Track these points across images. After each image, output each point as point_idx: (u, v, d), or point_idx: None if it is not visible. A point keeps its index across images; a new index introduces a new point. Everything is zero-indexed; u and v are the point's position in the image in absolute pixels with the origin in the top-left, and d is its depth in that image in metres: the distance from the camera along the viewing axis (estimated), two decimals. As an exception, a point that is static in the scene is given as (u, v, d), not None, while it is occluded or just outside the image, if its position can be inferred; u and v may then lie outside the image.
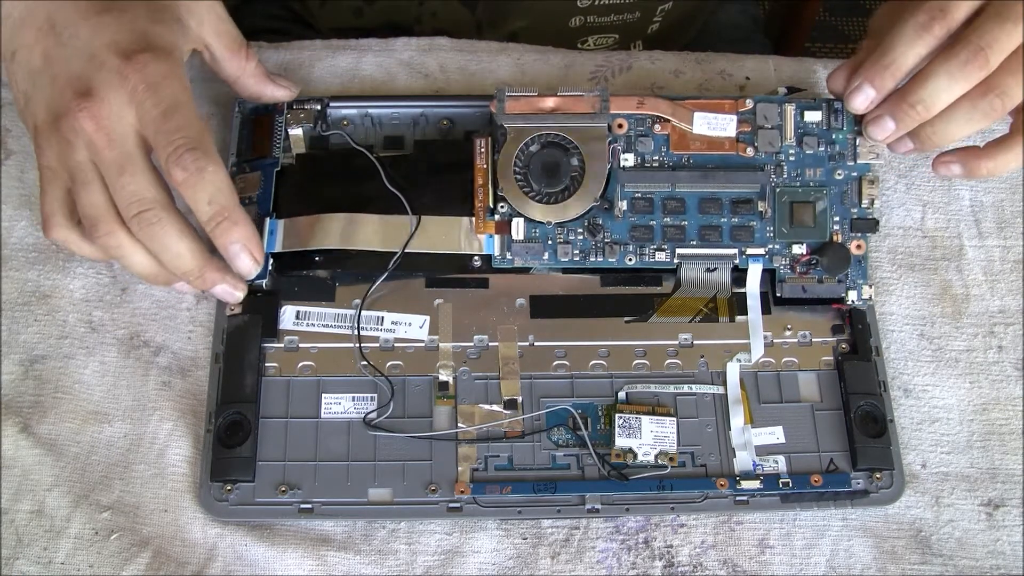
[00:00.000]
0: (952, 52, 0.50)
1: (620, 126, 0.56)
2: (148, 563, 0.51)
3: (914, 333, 0.59)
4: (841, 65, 0.56)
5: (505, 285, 0.58)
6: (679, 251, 0.57)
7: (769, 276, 0.58)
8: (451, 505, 0.53)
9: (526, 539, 0.53)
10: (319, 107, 0.61)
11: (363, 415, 0.54)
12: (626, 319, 0.57)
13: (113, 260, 0.54)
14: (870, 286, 0.57)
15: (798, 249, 0.57)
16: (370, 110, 0.62)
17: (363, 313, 0.56)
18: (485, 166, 0.56)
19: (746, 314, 0.57)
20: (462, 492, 0.53)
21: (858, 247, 0.57)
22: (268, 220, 0.56)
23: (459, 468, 0.53)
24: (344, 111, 0.61)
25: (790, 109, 0.57)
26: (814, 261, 0.57)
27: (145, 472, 0.54)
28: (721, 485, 0.53)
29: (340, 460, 0.53)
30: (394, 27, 0.70)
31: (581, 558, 0.53)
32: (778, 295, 0.58)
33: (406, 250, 0.56)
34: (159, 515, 0.53)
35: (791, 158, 0.57)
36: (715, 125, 0.57)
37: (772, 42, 0.95)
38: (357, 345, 0.56)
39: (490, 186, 0.56)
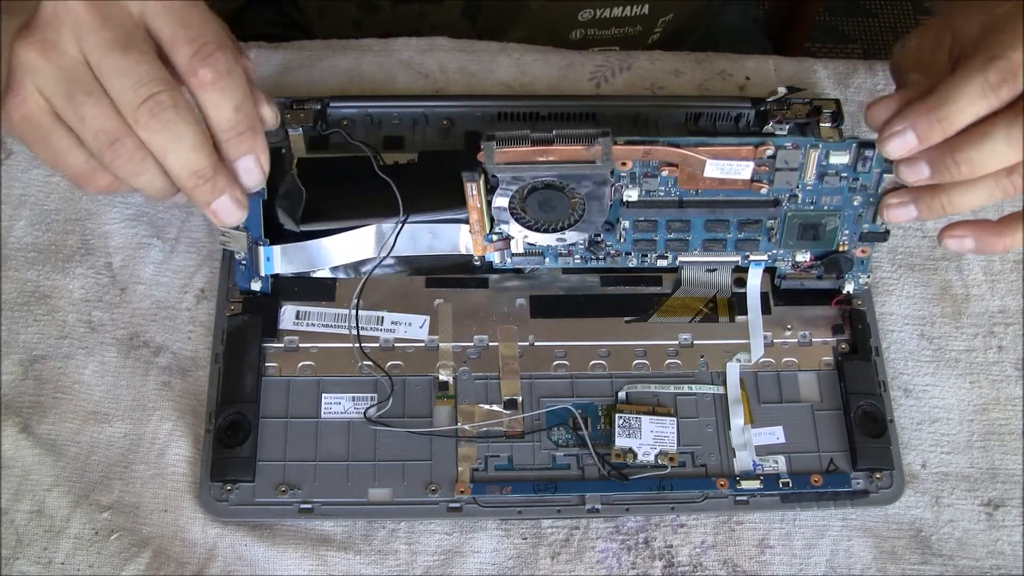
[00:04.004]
0: (1017, 116, 0.45)
1: (624, 164, 0.51)
2: (148, 563, 0.51)
3: (914, 333, 0.59)
4: (886, 98, 0.49)
5: (505, 285, 0.58)
6: (681, 258, 0.56)
7: (769, 275, 0.58)
8: (451, 505, 0.53)
9: (526, 539, 0.53)
10: (319, 107, 0.61)
11: (363, 411, 0.54)
12: (626, 319, 0.57)
13: (120, 184, 0.46)
14: (868, 275, 0.57)
15: (801, 256, 0.56)
16: (370, 110, 0.62)
17: (363, 313, 0.56)
18: (479, 206, 0.54)
19: (746, 314, 0.57)
20: (462, 492, 0.53)
21: (863, 252, 0.56)
22: (262, 248, 0.55)
23: (459, 468, 0.53)
24: (344, 111, 0.61)
25: (814, 154, 0.51)
26: (816, 265, 0.57)
27: (145, 472, 0.54)
28: (721, 485, 0.53)
29: (340, 460, 0.53)
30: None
31: (581, 558, 0.53)
32: (776, 285, 0.58)
33: (410, 254, 0.56)
34: (159, 515, 0.53)
35: (807, 188, 0.53)
36: (729, 170, 0.51)
37: (772, 42, 0.95)
38: (356, 343, 0.55)
39: (486, 220, 0.54)
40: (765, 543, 0.53)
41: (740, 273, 0.58)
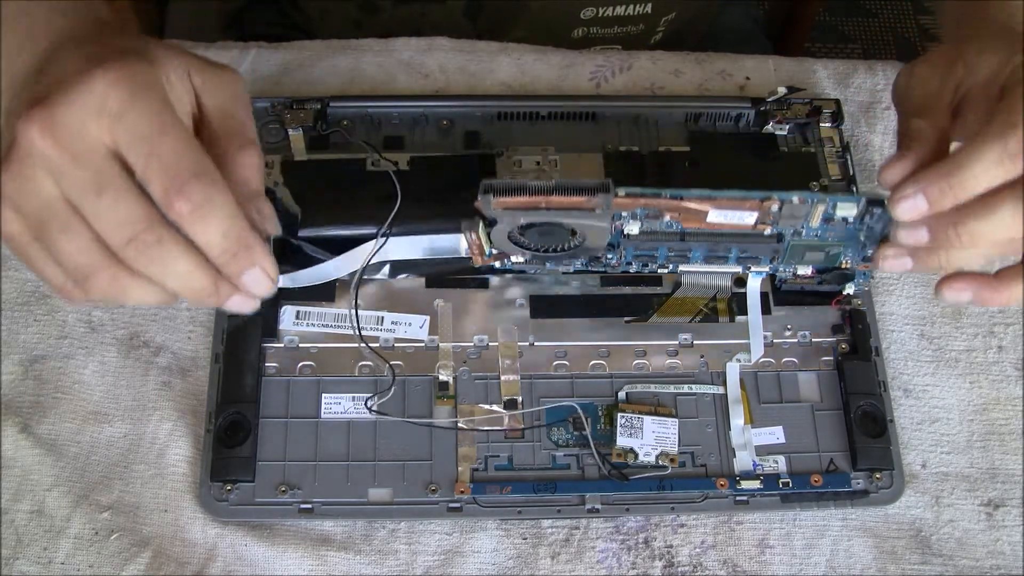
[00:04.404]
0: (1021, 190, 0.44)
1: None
2: (148, 563, 0.51)
3: (914, 333, 0.59)
4: (901, 159, 0.46)
5: (505, 285, 0.58)
6: (682, 268, 0.56)
7: (769, 276, 0.58)
8: (451, 505, 0.53)
9: (526, 539, 0.53)
10: (319, 107, 0.61)
11: (364, 401, 0.54)
12: (626, 319, 0.57)
13: (114, 304, 0.45)
14: (872, 277, 0.57)
15: (803, 270, 0.56)
16: (370, 110, 0.62)
17: (363, 313, 0.56)
18: (477, 240, 0.53)
19: (746, 314, 0.57)
20: (462, 492, 0.53)
21: (865, 266, 0.55)
22: None
23: (459, 468, 0.53)
24: (344, 111, 0.61)
25: (821, 207, 0.49)
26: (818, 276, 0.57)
27: (145, 472, 0.54)
28: (721, 485, 0.53)
29: (340, 460, 0.53)
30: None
31: (581, 558, 0.53)
32: (776, 287, 0.58)
33: (409, 259, 0.56)
34: (159, 515, 0.53)
35: (812, 228, 0.52)
36: (732, 218, 0.50)
37: (772, 42, 0.95)
38: (356, 331, 0.55)
39: (485, 246, 0.54)
40: (765, 543, 0.53)
41: (740, 275, 0.58)
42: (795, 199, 0.49)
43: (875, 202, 0.49)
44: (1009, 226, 0.44)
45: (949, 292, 0.48)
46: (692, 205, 0.49)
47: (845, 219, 0.50)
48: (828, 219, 0.50)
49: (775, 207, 0.49)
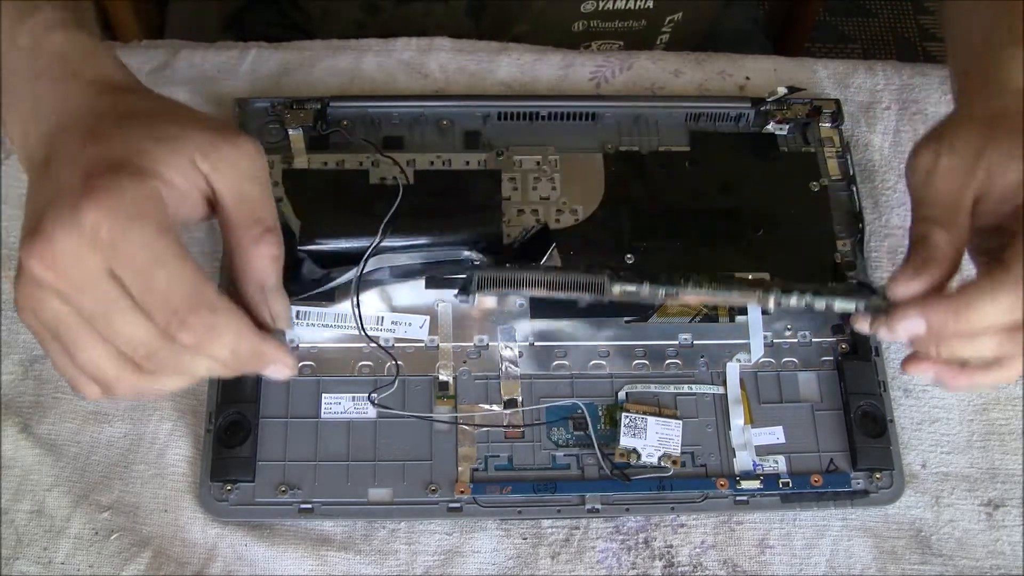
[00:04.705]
0: None
1: None
2: (148, 563, 0.51)
3: (914, 333, 0.59)
4: (915, 276, 0.46)
5: (505, 285, 0.58)
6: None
7: (770, 277, 0.58)
8: (451, 505, 0.53)
9: (526, 539, 0.53)
10: (319, 107, 0.61)
11: (367, 395, 0.54)
12: (626, 319, 0.57)
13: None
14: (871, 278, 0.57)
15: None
16: (370, 110, 0.62)
17: (363, 313, 0.56)
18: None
19: (746, 314, 0.57)
20: (462, 492, 0.53)
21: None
22: None
23: (459, 468, 0.53)
24: (344, 111, 0.61)
25: (821, 302, 0.48)
26: None
27: (145, 472, 0.54)
28: (721, 485, 0.53)
29: (340, 460, 0.53)
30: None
31: (581, 558, 0.53)
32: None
33: (408, 263, 0.56)
34: (159, 515, 0.53)
35: None
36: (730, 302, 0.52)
37: (772, 42, 0.95)
38: (359, 326, 0.55)
39: None
40: (765, 543, 0.53)
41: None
42: (793, 300, 0.48)
43: (877, 309, 0.47)
44: (994, 352, 0.44)
45: (913, 368, 0.48)
46: (689, 298, 0.49)
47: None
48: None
49: (771, 304, 0.48)
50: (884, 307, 0.46)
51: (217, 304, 0.40)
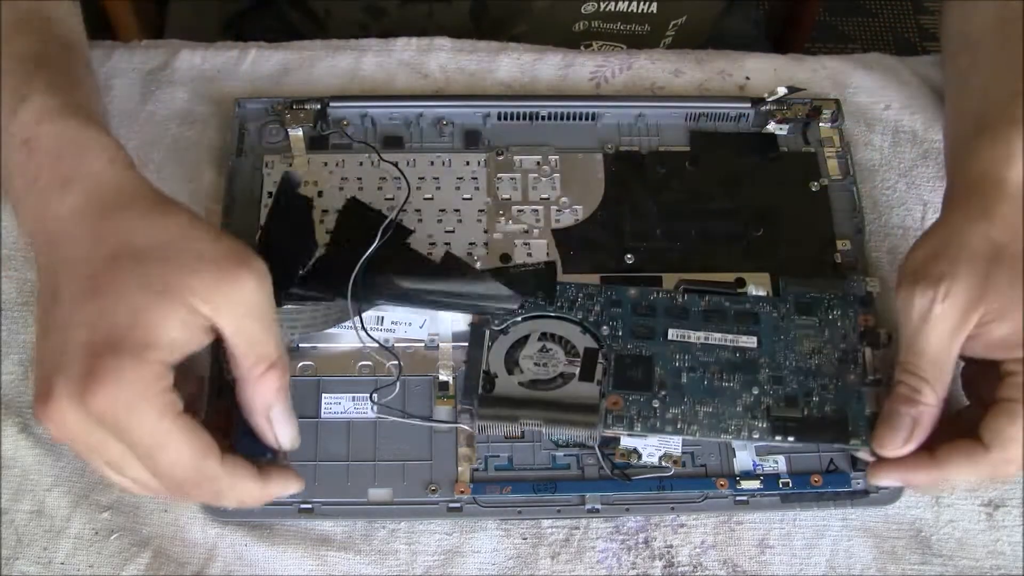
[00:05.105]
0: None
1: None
2: (148, 563, 0.51)
3: (914, 333, 0.59)
4: (901, 440, 0.49)
5: (505, 285, 0.58)
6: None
7: (771, 279, 0.58)
8: (451, 505, 0.53)
9: (526, 539, 0.53)
10: (319, 107, 0.61)
11: (369, 394, 0.54)
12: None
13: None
14: (874, 279, 0.57)
15: None
16: (370, 110, 0.62)
17: (363, 313, 0.56)
18: None
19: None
20: (462, 492, 0.53)
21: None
22: None
23: (459, 468, 0.53)
24: (344, 111, 0.61)
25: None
26: None
27: (145, 472, 0.54)
28: (721, 485, 0.53)
29: (340, 460, 0.53)
30: None
31: (581, 558, 0.53)
32: (777, 294, 0.58)
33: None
34: (159, 515, 0.53)
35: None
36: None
37: (772, 42, 0.95)
38: (359, 325, 0.55)
39: None
40: (765, 543, 0.53)
41: (741, 275, 0.58)
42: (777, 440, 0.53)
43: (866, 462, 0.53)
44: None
45: (877, 480, 0.52)
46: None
47: None
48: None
49: (755, 443, 0.53)
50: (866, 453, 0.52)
51: (219, 473, 0.43)
